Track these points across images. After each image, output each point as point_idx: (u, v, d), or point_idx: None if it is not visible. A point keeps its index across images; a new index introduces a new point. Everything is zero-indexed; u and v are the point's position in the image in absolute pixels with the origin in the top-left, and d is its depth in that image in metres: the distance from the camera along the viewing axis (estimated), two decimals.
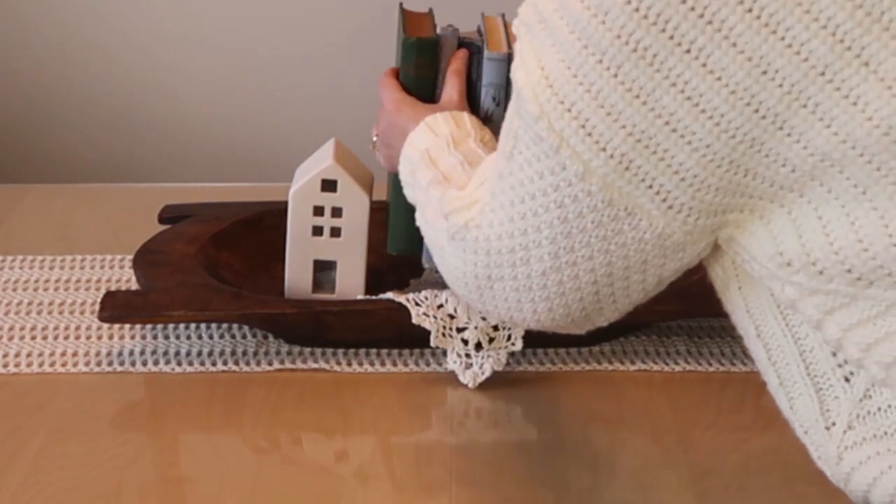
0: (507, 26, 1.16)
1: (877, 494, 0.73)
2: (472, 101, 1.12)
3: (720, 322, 1.22)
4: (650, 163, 0.69)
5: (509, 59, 1.11)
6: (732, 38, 0.65)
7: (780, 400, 0.78)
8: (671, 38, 0.66)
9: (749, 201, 0.71)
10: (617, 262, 0.75)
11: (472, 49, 1.13)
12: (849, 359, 0.71)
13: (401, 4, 1.19)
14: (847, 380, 0.72)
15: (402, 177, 1.00)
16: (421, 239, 1.14)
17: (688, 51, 0.66)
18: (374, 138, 1.13)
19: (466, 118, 1.03)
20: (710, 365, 1.16)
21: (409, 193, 0.98)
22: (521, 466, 1.04)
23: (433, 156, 0.96)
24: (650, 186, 0.70)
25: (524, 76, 0.73)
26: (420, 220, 0.94)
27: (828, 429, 0.74)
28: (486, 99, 1.12)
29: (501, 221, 0.76)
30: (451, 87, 1.11)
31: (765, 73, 0.65)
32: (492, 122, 1.12)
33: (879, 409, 0.72)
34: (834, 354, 0.72)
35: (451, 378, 1.14)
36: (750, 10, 0.64)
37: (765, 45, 0.65)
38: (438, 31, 1.13)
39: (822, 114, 0.66)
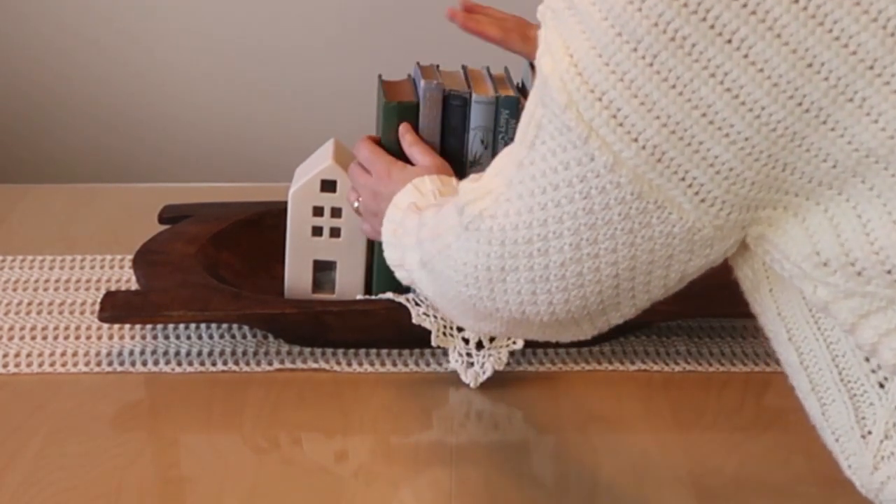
0: (491, 76, 1.18)
1: None
2: (459, 147, 1.13)
3: (720, 322, 1.22)
4: (684, 155, 0.67)
5: (497, 101, 1.12)
6: (777, 29, 0.63)
7: (810, 406, 0.76)
8: (711, 27, 0.64)
9: (784, 197, 0.69)
10: (641, 255, 0.73)
11: (457, 101, 1.13)
12: (883, 364, 0.69)
13: (380, 76, 1.19)
14: (882, 385, 0.71)
15: (385, 238, 0.98)
16: None
17: (729, 41, 0.64)
18: (356, 204, 1.11)
19: (453, 179, 1.02)
20: (711, 365, 1.16)
21: (390, 255, 0.97)
22: (522, 466, 1.04)
23: (420, 206, 0.96)
24: (683, 179, 0.68)
25: (550, 63, 0.70)
26: (405, 264, 0.92)
27: (864, 437, 0.72)
28: (474, 142, 1.13)
29: (519, 211, 0.74)
30: (423, 154, 1.09)
31: (810, 65, 0.63)
32: (479, 164, 1.14)
33: None
34: (867, 360, 0.71)
35: (452, 378, 1.14)
36: (797, 1, 0.63)
37: (811, 37, 0.63)
38: (423, 86, 1.13)
39: (870, 108, 0.64)
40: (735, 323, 1.22)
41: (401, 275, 0.97)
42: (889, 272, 0.66)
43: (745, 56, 0.64)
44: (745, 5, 0.63)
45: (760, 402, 1.11)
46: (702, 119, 0.66)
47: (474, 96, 1.13)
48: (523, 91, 1.17)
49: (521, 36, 1.15)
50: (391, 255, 0.97)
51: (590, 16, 0.68)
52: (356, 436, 1.07)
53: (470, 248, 0.79)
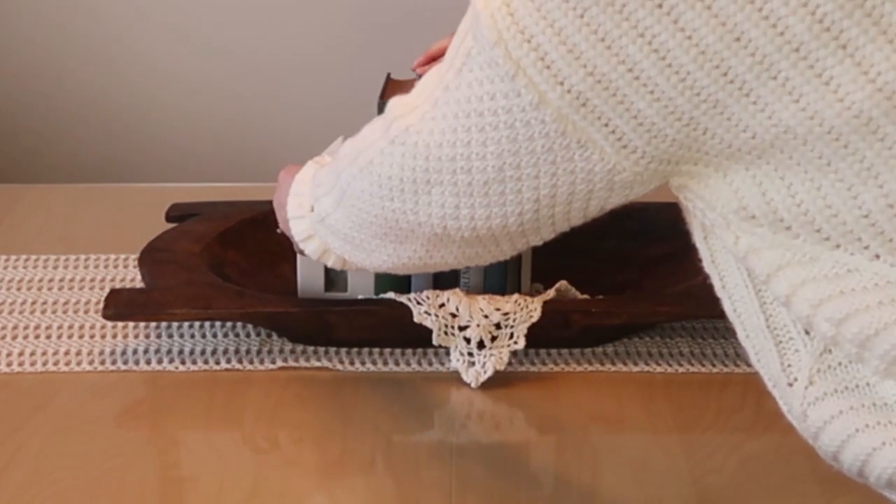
0: None
1: (848, 456, 0.71)
2: None
3: (724, 323, 1.22)
4: (608, 104, 0.69)
5: None
6: (708, 0, 0.65)
7: (749, 353, 0.77)
8: None
9: (705, 157, 0.71)
10: (562, 186, 0.75)
11: None
12: (797, 315, 0.71)
13: (388, 74, 1.20)
14: (808, 332, 0.72)
15: (291, 213, 0.99)
16: (408, 277, 1.16)
17: (660, 6, 0.66)
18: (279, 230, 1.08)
19: None
20: (714, 366, 1.16)
21: (297, 229, 0.98)
22: (522, 466, 1.05)
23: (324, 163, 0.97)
24: (605, 125, 0.70)
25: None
26: (315, 223, 0.94)
27: (790, 385, 0.73)
28: None
29: (443, 130, 0.76)
30: None
31: (738, 40, 0.65)
32: None
33: (840, 363, 0.71)
34: None
35: (452, 378, 1.14)
36: None
37: (741, 13, 0.64)
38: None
39: (792, 88, 0.65)
40: None
41: (312, 247, 0.98)
42: (818, 231, 0.68)
43: (675, 22, 0.66)
44: None
45: (761, 402, 1.11)
46: (627, 74, 0.68)
47: None
48: None
49: None
50: (299, 229, 0.99)
51: None
52: (357, 435, 1.07)
53: (395, 162, 0.80)
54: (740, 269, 0.75)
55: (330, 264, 1.01)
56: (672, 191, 0.75)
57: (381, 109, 1.14)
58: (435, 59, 1.17)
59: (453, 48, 0.76)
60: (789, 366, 0.73)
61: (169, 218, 1.33)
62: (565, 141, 0.72)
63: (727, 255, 0.75)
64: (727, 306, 0.77)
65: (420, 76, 1.16)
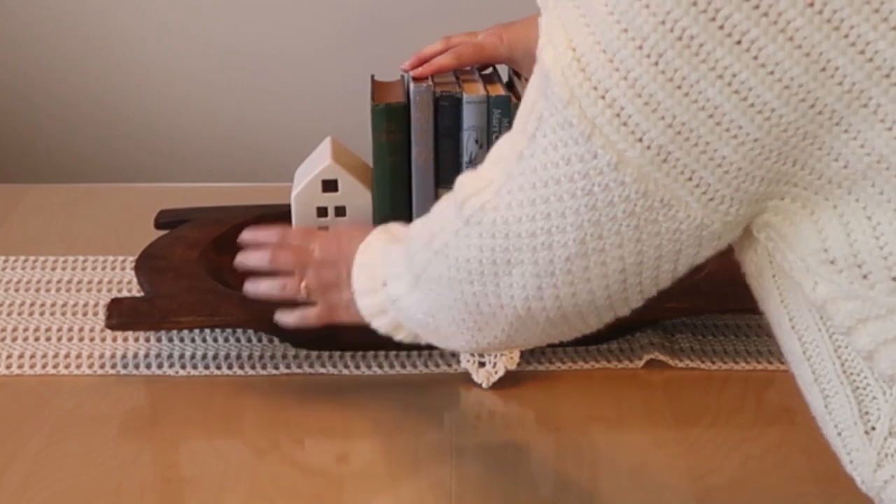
0: (481, 75, 1.18)
1: None
2: (455, 148, 1.14)
3: (723, 320, 1.22)
4: (690, 156, 0.66)
5: (488, 101, 1.13)
6: (790, 32, 0.61)
7: (812, 398, 0.73)
8: (721, 27, 0.62)
9: (794, 189, 0.68)
10: (648, 251, 0.71)
11: (448, 102, 1.13)
12: (881, 373, 0.68)
13: (372, 76, 1.19)
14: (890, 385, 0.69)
15: (358, 288, 0.95)
16: None
17: (738, 42, 0.62)
18: (304, 291, 1.04)
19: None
20: (713, 363, 1.16)
21: (367, 304, 0.94)
22: (522, 466, 1.05)
23: (399, 237, 0.93)
24: (689, 179, 0.67)
25: (553, 56, 0.68)
26: (388, 301, 0.91)
27: (867, 433, 0.70)
28: (468, 143, 1.13)
29: (521, 204, 0.72)
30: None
31: (824, 70, 0.62)
32: (477, 164, 1.13)
33: None
34: None
35: (453, 378, 1.14)
36: (811, 5, 0.61)
37: (826, 41, 0.61)
38: (412, 89, 1.13)
39: (884, 115, 0.62)
40: (738, 320, 1.22)
41: (382, 322, 0.95)
42: (895, 279, 0.65)
43: (755, 58, 0.62)
44: (756, 7, 0.61)
45: (761, 401, 1.11)
46: (709, 120, 0.65)
47: (465, 97, 1.13)
48: (512, 88, 1.17)
49: (474, 48, 1.16)
50: (368, 304, 0.95)
51: (595, 9, 0.66)
52: (357, 436, 1.07)
53: (472, 244, 0.77)
54: (812, 312, 0.71)
55: (400, 338, 0.97)
56: (752, 231, 0.71)
57: (374, 113, 1.14)
58: (424, 61, 1.17)
59: (524, 112, 0.72)
60: (867, 413, 0.70)
61: (158, 224, 1.33)
62: (647, 202, 0.68)
63: (801, 296, 0.71)
64: (794, 347, 0.73)
65: (407, 76, 1.16)
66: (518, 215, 0.73)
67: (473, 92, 1.14)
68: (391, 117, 1.13)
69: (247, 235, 1.08)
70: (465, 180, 0.80)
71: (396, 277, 0.90)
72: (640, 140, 0.66)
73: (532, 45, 0.73)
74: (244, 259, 1.07)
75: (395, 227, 0.99)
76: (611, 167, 0.67)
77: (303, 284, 1.04)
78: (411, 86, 1.14)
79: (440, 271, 0.82)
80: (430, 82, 1.14)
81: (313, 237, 1.05)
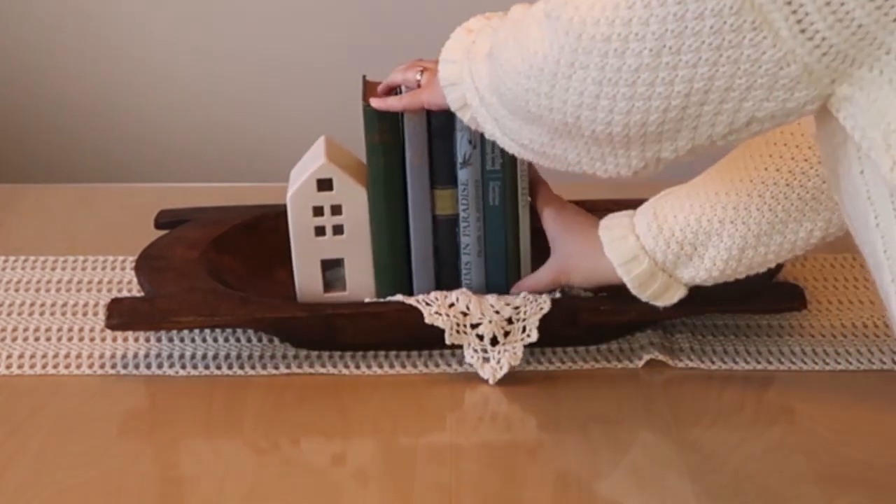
0: None
1: None
2: (448, 148, 1.13)
3: (723, 321, 1.22)
4: None
5: None
6: None
7: (892, 300, 0.72)
8: None
9: (885, 57, 0.66)
10: (720, 79, 0.69)
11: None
12: None
13: (363, 76, 1.19)
14: None
15: (444, 54, 0.96)
16: (409, 278, 1.17)
17: None
18: (417, 74, 1.09)
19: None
20: (713, 363, 1.16)
21: (446, 72, 0.96)
22: (522, 466, 1.05)
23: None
24: (789, 2, 0.65)
25: None
26: (466, 59, 0.91)
27: None
28: (461, 143, 1.13)
29: (604, 6, 0.70)
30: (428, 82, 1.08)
31: None
32: (470, 164, 1.13)
33: None
34: None
35: (452, 379, 1.14)
36: None
37: None
38: (404, 90, 1.13)
39: None
40: (738, 321, 1.22)
41: (453, 96, 0.96)
42: None
43: None
44: None
45: (761, 401, 1.11)
46: None
47: None
48: None
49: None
50: (448, 72, 0.96)
51: None
52: (357, 437, 1.07)
53: (545, 37, 0.75)
54: (891, 197, 0.69)
55: (466, 120, 0.99)
56: (831, 110, 0.69)
57: (365, 114, 1.13)
58: (392, 90, 1.16)
59: None
60: None
61: (158, 224, 1.33)
62: (738, 21, 0.66)
63: (883, 188, 0.69)
64: (875, 247, 0.71)
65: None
66: (597, 17, 0.71)
67: None
68: (383, 118, 1.13)
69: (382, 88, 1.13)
70: None
71: (481, 37, 0.90)
72: None
73: None
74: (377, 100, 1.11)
75: (475, 22, 1.00)
76: None
77: (417, 70, 1.08)
78: (402, 89, 1.14)
79: (508, 56, 0.80)
80: (421, 82, 1.14)
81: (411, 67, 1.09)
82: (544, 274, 1.15)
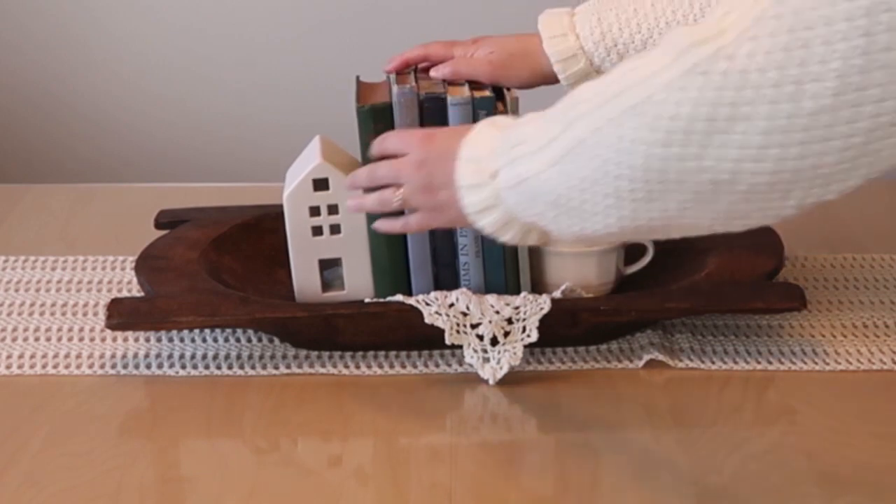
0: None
1: None
2: None
3: (723, 320, 1.22)
4: None
5: (473, 102, 1.12)
6: None
7: None
8: None
9: None
10: None
11: (433, 104, 1.13)
12: None
13: (357, 77, 1.19)
14: None
15: (465, 183, 0.90)
16: (408, 279, 1.17)
17: None
18: (397, 200, 1.02)
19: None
20: (713, 363, 1.16)
21: (473, 200, 0.90)
22: (521, 466, 1.05)
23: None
24: None
25: None
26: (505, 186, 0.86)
27: None
28: None
29: (769, 51, 0.65)
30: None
31: None
32: None
33: None
34: None
35: (453, 379, 1.14)
36: None
37: None
38: (395, 91, 1.13)
39: None
40: (738, 321, 1.22)
41: (488, 220, 0.90)
42: None
43: None
44: None
45: (761, 401, 1.11)
46: None
47: (450, 98, 1.13)
48: (497, 90, 1.16)
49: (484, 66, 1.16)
50: (474, 200, 0.90)
51: None
52: (357, 437, 1.07)
53: (689, 97, 0.69)
54: None
55: (507, 238, 0.91)
56: None
57: (359, 115, 1.13)
58: (409, 64, 1.16)
59: None
60: None
61: (158, 224, 1.33)
62: None
63: None
64: None
65: (392, 77, 1.16)
66: (762, 64, 0.66)
67: (458, 94, 1.13)
68: (377, 118, 1.13)
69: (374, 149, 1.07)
70: (685, 31, 0.71)
71: (527, 156, 0.83)
72: None
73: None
74: (352, 179, 1.09)
75: (503, 119, 0.95)
76: None
77: (397, 194, 1.01)
78: (394, 88, 1.13)
79: (624, 132, 0.73)
80: (413, 84, 1.14)
81: (409, 141, 1.02)
82: (482, 65, 1.15)
